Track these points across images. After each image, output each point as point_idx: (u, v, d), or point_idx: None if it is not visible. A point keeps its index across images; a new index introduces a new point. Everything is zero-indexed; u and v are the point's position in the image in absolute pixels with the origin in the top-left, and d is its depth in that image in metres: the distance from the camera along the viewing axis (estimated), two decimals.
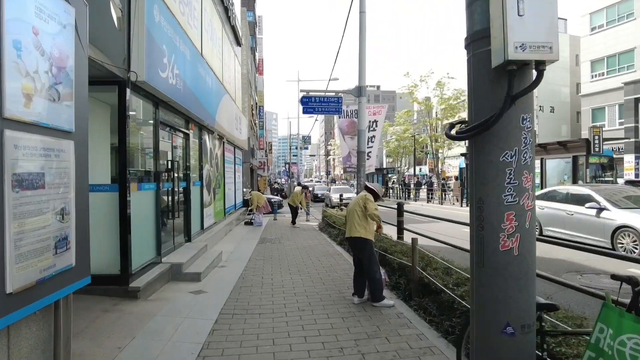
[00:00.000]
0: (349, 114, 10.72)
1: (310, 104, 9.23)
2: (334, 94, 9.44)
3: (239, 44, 16.23)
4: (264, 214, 14.71)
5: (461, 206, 20.83)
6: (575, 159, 14.24)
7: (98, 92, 5.16)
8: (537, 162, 15.42)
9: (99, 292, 4.77)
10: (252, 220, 13.73)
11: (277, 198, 21.32)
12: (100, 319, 4.04)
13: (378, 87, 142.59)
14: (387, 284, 5.15)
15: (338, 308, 4.68)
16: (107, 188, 4.89)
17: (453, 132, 2.20)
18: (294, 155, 40.92)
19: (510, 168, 1.98)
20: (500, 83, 1.98)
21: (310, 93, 9.31)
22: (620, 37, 24.12)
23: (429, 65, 22.41)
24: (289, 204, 14.43)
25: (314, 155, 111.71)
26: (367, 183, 5.52)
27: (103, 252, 4.92)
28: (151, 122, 6.04)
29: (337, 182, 55.67)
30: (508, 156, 1.98)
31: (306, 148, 41.40)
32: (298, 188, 15.80)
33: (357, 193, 9.12)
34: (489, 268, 2.03)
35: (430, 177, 28.94)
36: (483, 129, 1.97)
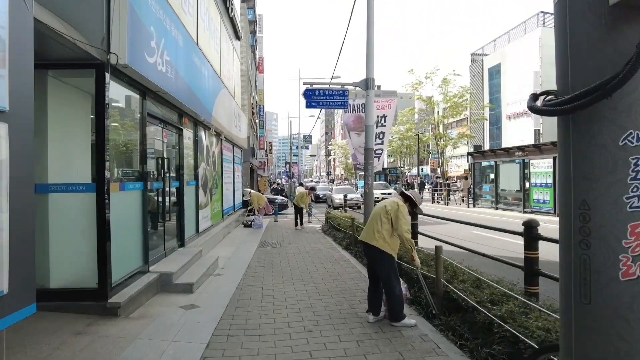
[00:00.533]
0: (356, 108, 9.98)
1: (314, 97, 8.55)
2: (339, 86, 8.75)
3: (238, 37, 15.59)
4: (264, 215, 14.07)
5: (468, 207, 20.16)
6: None
7: (74, 77, 4.52)
8: None
9: (73, 309, 4.12)
10: (251, 222, 13.07)
11: (282, 198, 20.64)
12: (68, 344, 3.37)
13: (379, 87, 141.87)
14: (407, 299, 4.48)
15: (351, 328, 4.01)
16: (83, 188, 4.23)
17: (538, 104, 1.53)
18: (294, 155, 40.19)
19: (636, 156, 1.32)
20: (620, 29, 1.32)
21: (314, 86, 8.63)
22: None
23: (428, 64, 21.61)
24: (294, 204, 13.69)
25: (314, 155, 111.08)
26: (403, 189, 4.64)
27: (78, 263, 4.27)
28: (138, 114, 5.38)
29: (334, 183, 54.82)
30: (633, 138, 1.32)
31: (307, 148, 40.65)
32: (301, 189, 15.11)
33: (365, 194, 8.46)
34: (600, 306, 1.36)
35: (437, 177, 28.19)
36: (597, 97, 1.30)
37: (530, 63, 40.02)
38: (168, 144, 6.68)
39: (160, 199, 6.20)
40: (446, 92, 22.90)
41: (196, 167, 8.30)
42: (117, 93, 4.78)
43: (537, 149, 15.39)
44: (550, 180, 14.60)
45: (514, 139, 37.53)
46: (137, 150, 5.34)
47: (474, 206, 19.99)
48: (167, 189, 6.46)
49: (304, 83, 8.63)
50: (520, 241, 4.11)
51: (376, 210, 4.25)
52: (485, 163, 19.54)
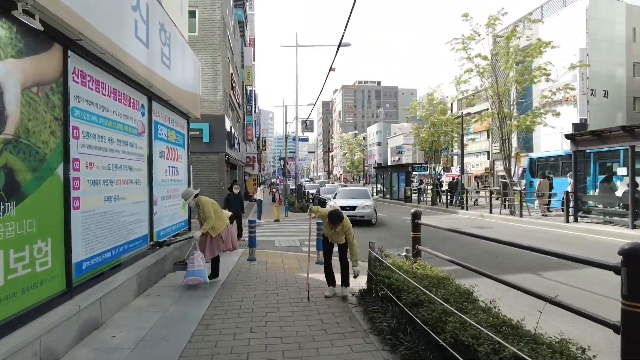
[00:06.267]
0: None
1: None
2: None
3: None
4: (220, 253, 6.43)
5: (567, 222, 12.55)
6: None
7: None
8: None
9: None
10: (187, 265, 5.55)
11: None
12: None
13: (379, 82, 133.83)
14: None
15: None
16: None
17: None
18: (291, 152, 32.48)
19: None
20: None
21: None
22: None
23: (431, 59, 14.34)
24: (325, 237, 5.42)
25: (313, 152, 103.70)
26: None
27: None
28: None
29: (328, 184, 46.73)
30: None
31: (306, 139, 33.02)
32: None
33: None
34: None
35: (486, 178, 20.72)
36: None
37: (573, 39, 32.98)
38: None
39: None
40: (515, 50, 15.39)
41: None
42: None
43: None
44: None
45: (551, 131, 30.41)
46: None
47: (576, 220, 12.51)
48: None
49: None
50: None
51: None
52: (603, 149, 12.08)
